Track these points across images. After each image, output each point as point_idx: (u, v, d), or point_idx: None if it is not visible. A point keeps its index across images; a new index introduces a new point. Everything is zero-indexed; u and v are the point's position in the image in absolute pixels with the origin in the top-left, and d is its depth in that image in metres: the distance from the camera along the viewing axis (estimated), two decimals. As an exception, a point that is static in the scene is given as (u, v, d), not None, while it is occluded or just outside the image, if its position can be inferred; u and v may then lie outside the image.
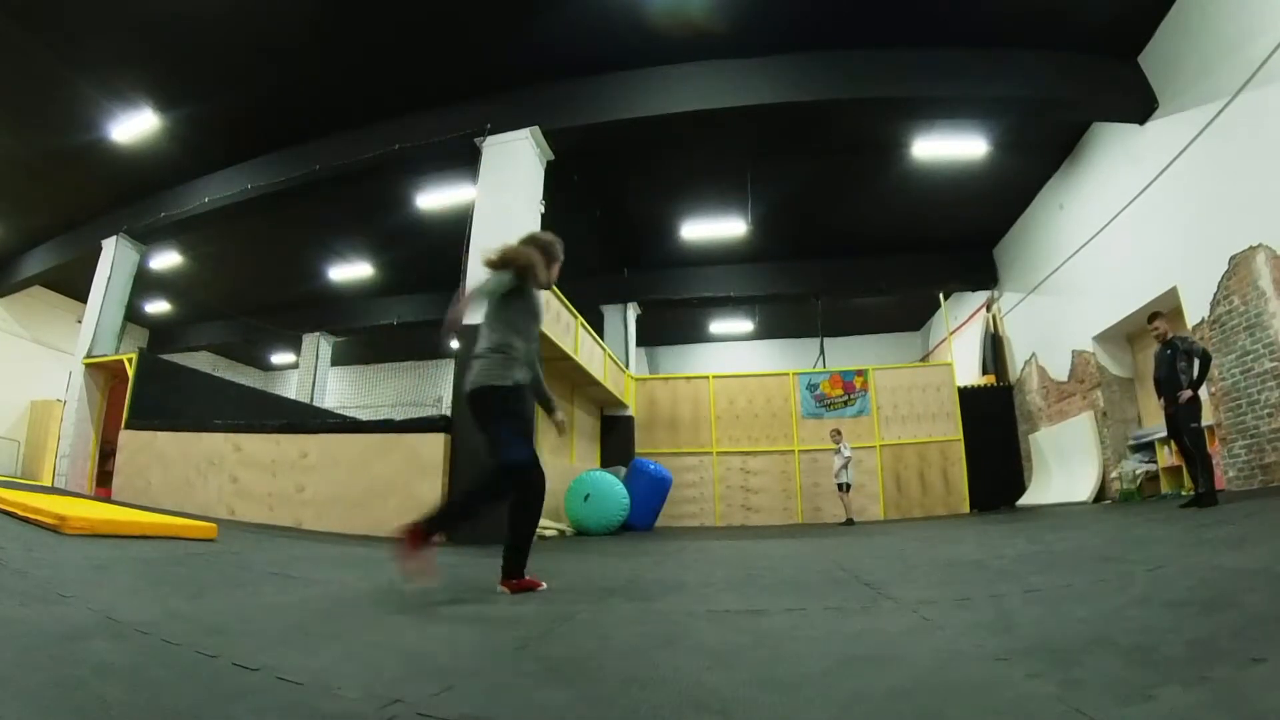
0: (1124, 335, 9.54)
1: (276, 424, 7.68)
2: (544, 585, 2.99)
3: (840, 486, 9.99)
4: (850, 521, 9.70)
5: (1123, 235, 8.73)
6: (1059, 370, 10.73)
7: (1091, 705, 1.14)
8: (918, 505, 10.94)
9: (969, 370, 13.26)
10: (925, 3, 7.11)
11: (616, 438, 11.71)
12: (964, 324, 14.63)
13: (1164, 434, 8.19)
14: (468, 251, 7.34)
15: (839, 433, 10.40)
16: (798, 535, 7.35)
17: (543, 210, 7.76)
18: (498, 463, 2.93)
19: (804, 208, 11.35)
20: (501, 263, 3.14)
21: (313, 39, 7.42)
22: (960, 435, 11.13)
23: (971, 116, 8.52)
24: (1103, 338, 9.64)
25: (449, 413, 7.11)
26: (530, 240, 3.31)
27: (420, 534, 2.78)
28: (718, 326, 17.82)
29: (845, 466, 9.95)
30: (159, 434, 8.16)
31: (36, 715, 1.16)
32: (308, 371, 16.02)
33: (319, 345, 16.17)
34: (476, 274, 3.05)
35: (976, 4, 7.14)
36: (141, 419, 8.53)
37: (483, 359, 3.03)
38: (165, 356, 12.14)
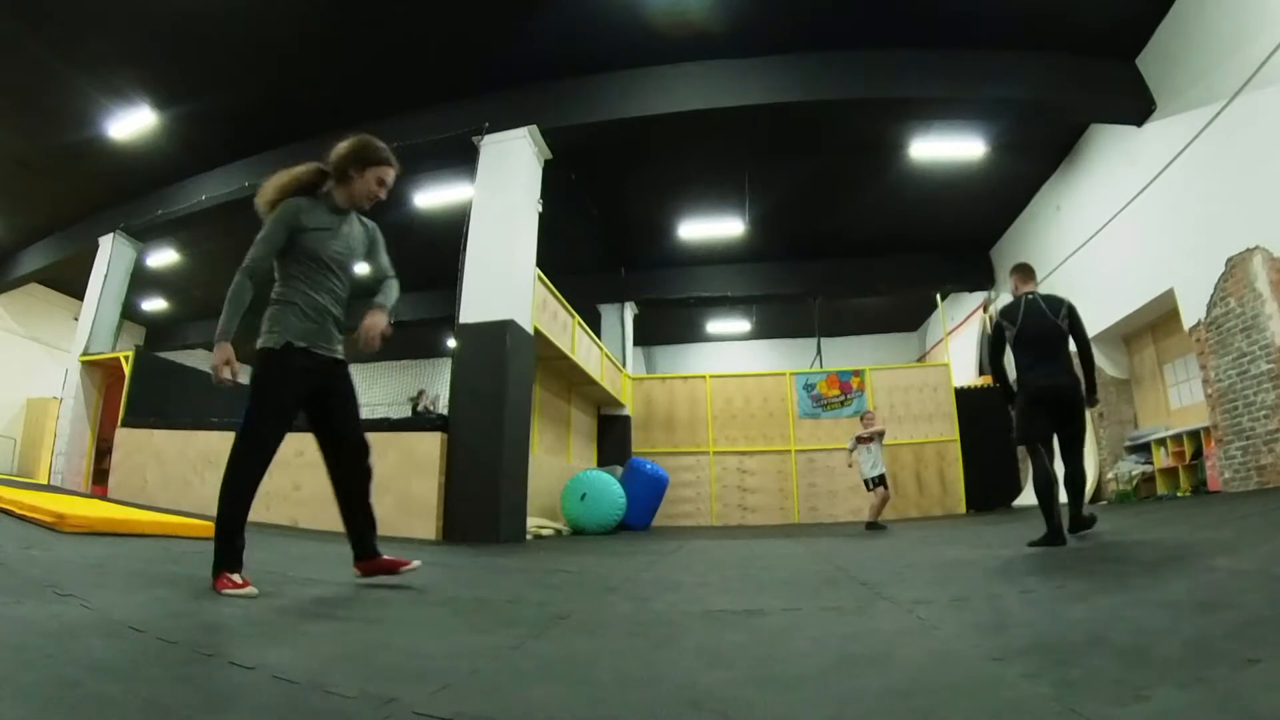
0: (1120, 337, 9.57)
1: (273, 422, 7.65)
2: (412, 564, 2.90)
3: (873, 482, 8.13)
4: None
5: (1120, 237, 8.75)
6: (1056, 371, 10.71)
7: (1087, 706, 1.14)
8: (914, 505, 10.95)
9: (966, 371, 13.28)
10: (923, 4, 7.11)
11: (613, 437, 11.71)
12: (961, 324, 14.65)
13: (1162, 434, 8.26)
14: (465, 251, 7.34)
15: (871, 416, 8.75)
16: (794, 535, 7.36)
17: (540, 209, 7.76)
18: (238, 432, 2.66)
19: (802, 208, 11.35)
20: (273, 198, 2.75)
21: (311, 37, 7.40)
22: (957, 435, 11.14)
23: (969, 117, 8.53)
24: (1099, 339, 9.64)
25: (444, 411, 7.11)
26: (335, 151, 2.82)
27: (220, 575, 2.46)
28: (715, 326, 17.82)
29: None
30: (155, 432, 8.15)
31: (32, 714, 1.16)
32: (305, 370, 15.97)
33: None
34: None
35: (975, 5, 7.14)
36: (138, 417, 8.51)
37: (264, 317, 2.71)
38: (162, 354, 12.08)
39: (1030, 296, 4.59)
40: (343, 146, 2.80)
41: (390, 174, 2.84)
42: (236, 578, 2.44)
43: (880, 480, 8.05)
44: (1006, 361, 4.68)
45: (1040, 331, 4.42)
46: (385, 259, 3.07)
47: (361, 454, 2.88)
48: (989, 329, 12.85)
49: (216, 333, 2.60)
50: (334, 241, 2.77)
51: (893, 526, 8.14)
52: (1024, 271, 4.85)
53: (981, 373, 12.97)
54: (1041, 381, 4.36)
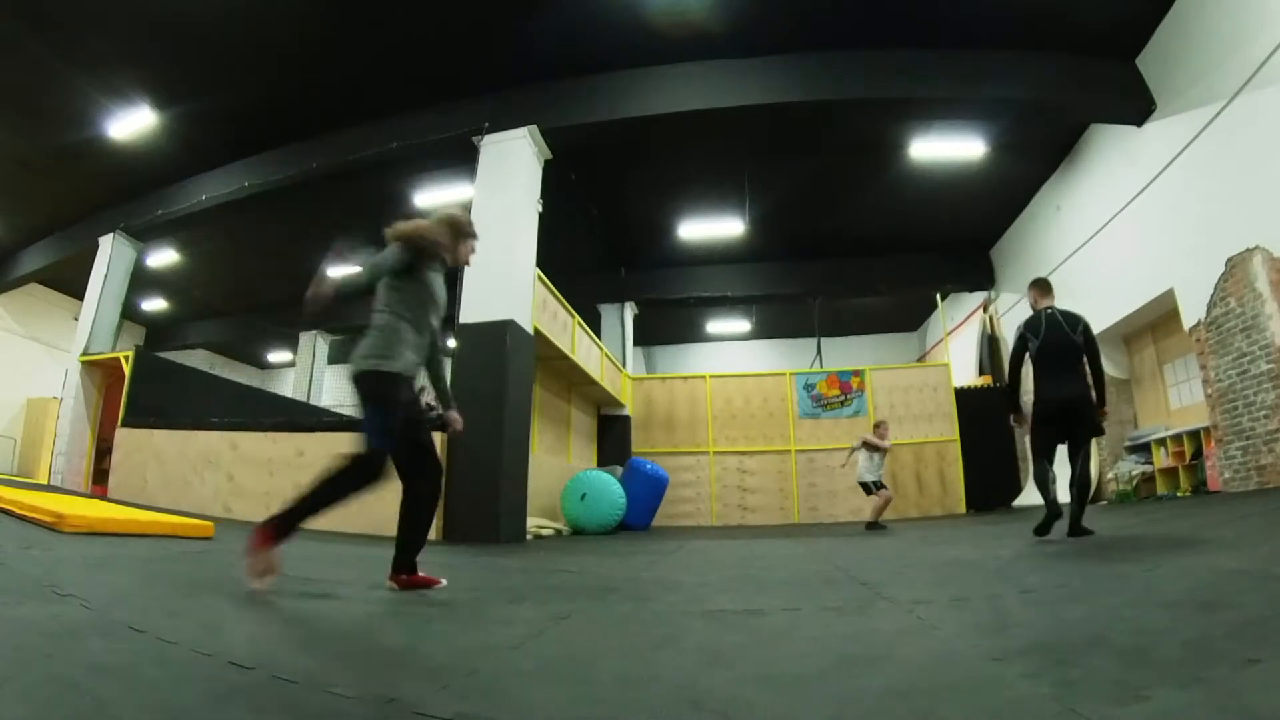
0: (1120, 337, 9.56)
1: (273, 422, 7.66)
2: (442, 582, 2.92)
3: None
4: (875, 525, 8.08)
5: (1120, 237, 8.75)
6: (1056, 371, 10.72)
7: (1086, 706, 1.14)
8: (914, 505, 10.95)
9: (966, 371, 13.27)
10: (923, 4, 7.11)
11: (613, 437, 11.71)
12: (961, 324, 14.65)
13: (1162, 434, 8.26)
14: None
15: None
16: (794, 535, 7.36)
17: (540, 209, 7.76)
18: (360, 449, 2.72)
19: (802, 208, 11.35)
20: (397, 237, 2.92)
21: (311, 37, 7.40)
22: (957, 436, 11.14)
23: (969, 117, 8.53)
24: (1099, 339, 9.60)
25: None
26: (442, 219, 3.15)
27: (271, 532, 2.59)
28: (715, 326, 17.82)
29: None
30: (155, 432, 8.14)
31: (32, 714, 1.16)
32: (305, 370, 16.01)
33: (316, 344, 16.16)
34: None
35: (974, 5, 7.14)
36: (138, 417, 8.50)
37: (367, 341, 2.85)
38: (162, 354, 12.09)
39: (1050, 311, 4.81)
40: (455, 214, 3.19)
41: (478, 245, 3.31)
42: (277, 550, 2.59)
43: (880, 484, 8.24)
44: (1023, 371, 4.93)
45: (1060, 346, 4.67)
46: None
47: (437, 477, 3.01)
48: (989, 329, 12.88)
49: (327, 280, 2.74)
50: (440, 288, 3.04)
51: (893, 526, 8.14)
52: (1043, 286, 5.04)
53: (981, 372, 12.98)
54: (1055, 394, 4.62)
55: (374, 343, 2.83)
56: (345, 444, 2.66)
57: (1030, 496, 10.90)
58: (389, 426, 2.73)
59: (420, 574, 2.87)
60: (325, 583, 3.13)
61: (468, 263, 3.26)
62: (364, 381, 2.78)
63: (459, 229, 3.16)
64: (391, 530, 2.88)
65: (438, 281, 3.04)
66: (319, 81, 8.12)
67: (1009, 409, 5.02)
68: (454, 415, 3.23)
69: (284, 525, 2.59)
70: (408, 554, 2.88)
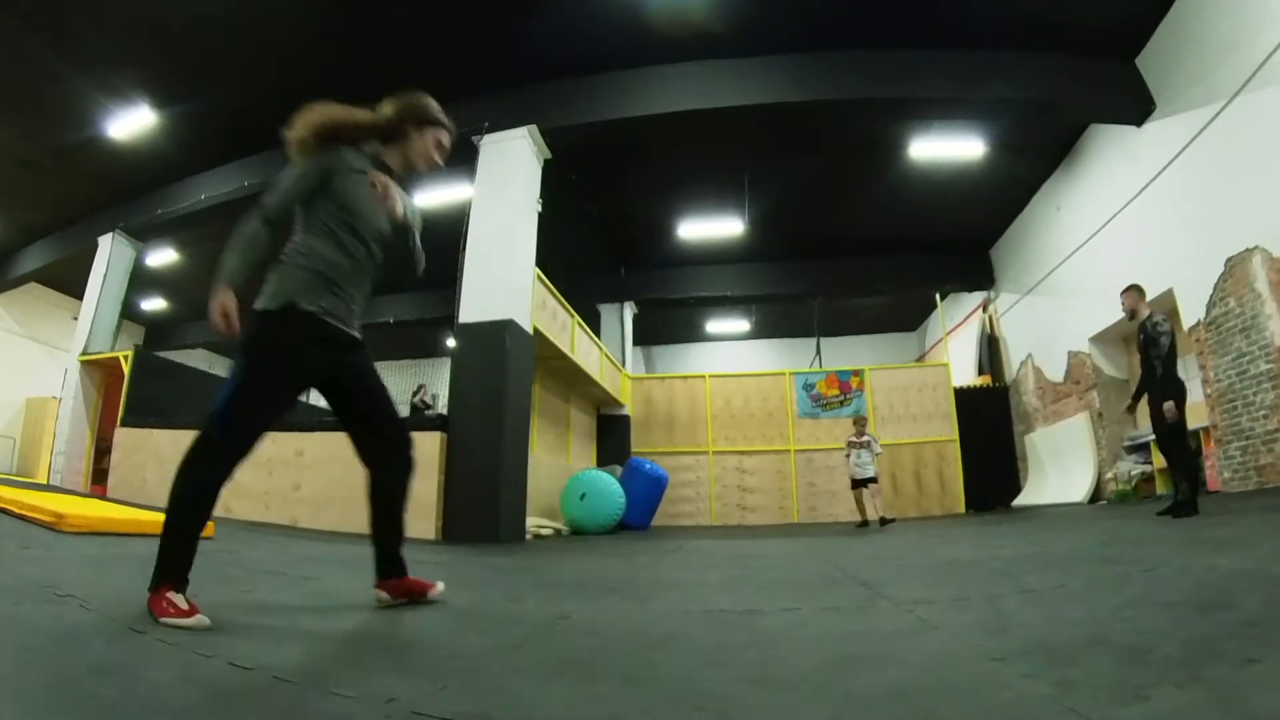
0: (1120, 336, 9.57)
1: (273, 422, 7.65)
2: (439, 586, 2.47)
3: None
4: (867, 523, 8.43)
5: (1119, 237, 8.75)
6: (1055, 371, 10.75)
7: (1086, 705, 1.14)
8: (914, 505, 10.96)
9: (965, 371, 13.29)
10: (923, 4, 7.12)
11: (613, 437, 11.72)
12: (960, 324, 14.66)
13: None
14: (465, 250, 7.33)
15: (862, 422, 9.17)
16: (794, 535, 7.36)
17: (540, 209, 7.76)
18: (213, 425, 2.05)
19: (801, 208, 11.36)
20: (295, 141, 2.31)
21: (311, 37, 7.40)
22: (956, 435, 11.15)
23: (969, 117, 8.54)
24: (1099, 339, 9.67)
25: (444, 411, 7.11)
26: (386, 101, 2.52)
27: (159, 590, 1.91)
28: (714, 326, 17.82)
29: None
30: (155, 431, 8.14)
31: (32, 716, 1.16)
32: (304, 369, 15.97)
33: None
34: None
35: (975, 5, 7.15)
36: (137, 416, 8.50)
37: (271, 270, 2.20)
38: (161, 354, 12.10)
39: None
40: (399, 101, 2.45)
41: (448, 139, 2.50)
42: (180, 600, 1.88)
43: (873, 478, 8.52)
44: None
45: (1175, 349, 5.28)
46: (420, 246, 2.54)
47: (403, 447, 2.42)
48: (989, 329, 12.89)
49: (216, 280, 2.09)
50: (373, 199, 2.29)
51: (892, 526, 8.14)
52: (1142, 292, 5.71)
53: (981, 372, 12.99)
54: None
55: (268, 281, 2.17)
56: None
57: (1028, 497, 10.92)
58: (249, 386, 2.06)
59: (411, 577, 2.40)
60: (324, 582, 3.13)
61: (427, 166, 2.47)
62: (243, 328, 2.09)
63: (412, 113, 2.43)
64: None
65: (361, 188, 2.27)
66: (318, 81, 8.00)
67: (1177, 396, 5.20)
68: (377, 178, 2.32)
69: (164, 571, 1.95)
70: (389, 550, 2.36)
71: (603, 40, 7.45)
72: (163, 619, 1.83)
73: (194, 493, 2.05)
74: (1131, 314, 5.59)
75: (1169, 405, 5.13)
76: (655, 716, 1.24)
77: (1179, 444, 5.33)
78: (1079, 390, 10.04)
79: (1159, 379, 5.25)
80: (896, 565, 3.75)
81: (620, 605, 2.65)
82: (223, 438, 2.05)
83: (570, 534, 8.18)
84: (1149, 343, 5.33)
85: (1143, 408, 5.62)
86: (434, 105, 2.48)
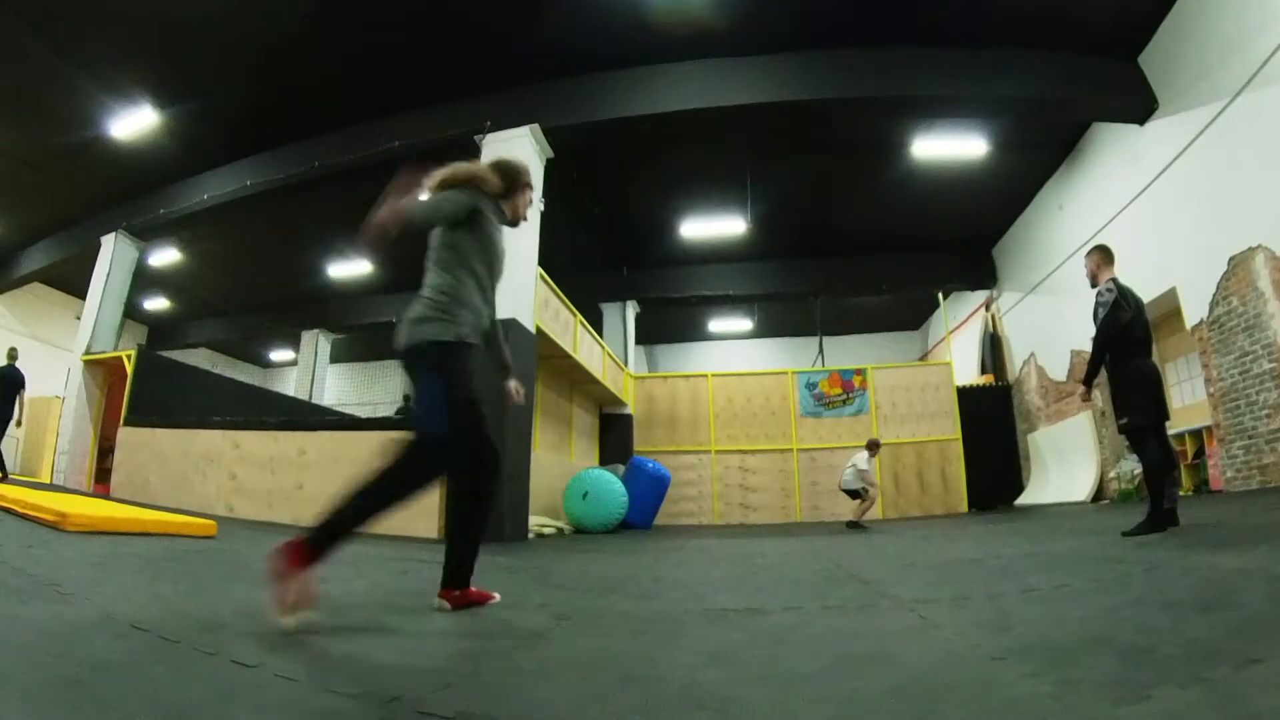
0: (1123, 335, 9.53)
1: (275, 421, 7.66)
2: (496, 597, 2.51)
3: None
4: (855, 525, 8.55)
5: (1122, 236, 8.70)
6: (1058, 370, 10.73)
7: (1088, 705, 1.14)
8: (916, 504, 10.95)
9: (968, 370, 13.27)
10: (925, 2, 7.11)
11: (615, 436, 11.71)
12: (963, 323, 14.64)
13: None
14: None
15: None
16: (796, 534, 7.36)
17: (543, 208, 7.76)
18: (414, 438, 2.23)
19: (804, 206, 11.35)
20: (454, 181, 2.48)
21: (313, 36, 7.41)
22: (959, 435, 11.13)
23: (971, 116, 8.52)
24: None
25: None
26: (496, 164, 2.71)
27: (305, 551, 1.94)
28: (717, 325, 17.82)
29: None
30: (158, 431, 8.16)
31: (35, 713, 1.17)
32: (307, 369, 16.02)
33: (318, 342, 16.17)
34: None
35: (977, 4, 7.13)
36: (140, 416, 8.52)
37: (420, 304, 2.40)
38: (164, 353, 12.13)
39: (1123, 284, 4.48)
40: (508, 164, 2.73)
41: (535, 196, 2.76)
42: (311, 575, 1.96)
43: (854, 492, 8.65)
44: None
45: (1144, 319, 4.41)
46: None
47: (495, 479, 2.48)
48: (991, 328, 12.86)
49: (388, 207, 2.29)
50: (502, 242, 2.59)
51: (893, 526, 8.15)
52: (1108, 254, 4.77)
53: (984, 371, 12.97)
54: (1152, 369, 4.34)
55: (431, 305, 2.36)
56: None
57: (1030, 496, 10.90)
58: (454, 403, 2.28)
59: (474, 589, 2.42)
60: (326, 581, 3.13)
61: (524, 217, 2.77)
62: (420, 352, 2.31)
63: (516, 177, 2.69)
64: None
65: (499, 235, 2.58)
66: (321, 81, 8.13)
67: (1091, 378, 4.45)
68: (514, 385, 2.77)
69: (322, 540, 1.99)
70: (464, 566, 2.41)
71: (605, 39, 7.45)
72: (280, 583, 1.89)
73: (376, 499, 2.14)
74: (1093, 280, 4.71)
75: (1082, 390, 4.41)
76: (657, 716, 1.24)
77: (1134, 442, 4.34)
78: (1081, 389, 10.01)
79: (1103, 361, 4.40)
80: (898, 564, 3.75)
81: (622, 604, 2.66)
82: (431, 456, 2.26)
83: (573, 533, 8.18)
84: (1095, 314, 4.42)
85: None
86: (527, 170, 2.81)
